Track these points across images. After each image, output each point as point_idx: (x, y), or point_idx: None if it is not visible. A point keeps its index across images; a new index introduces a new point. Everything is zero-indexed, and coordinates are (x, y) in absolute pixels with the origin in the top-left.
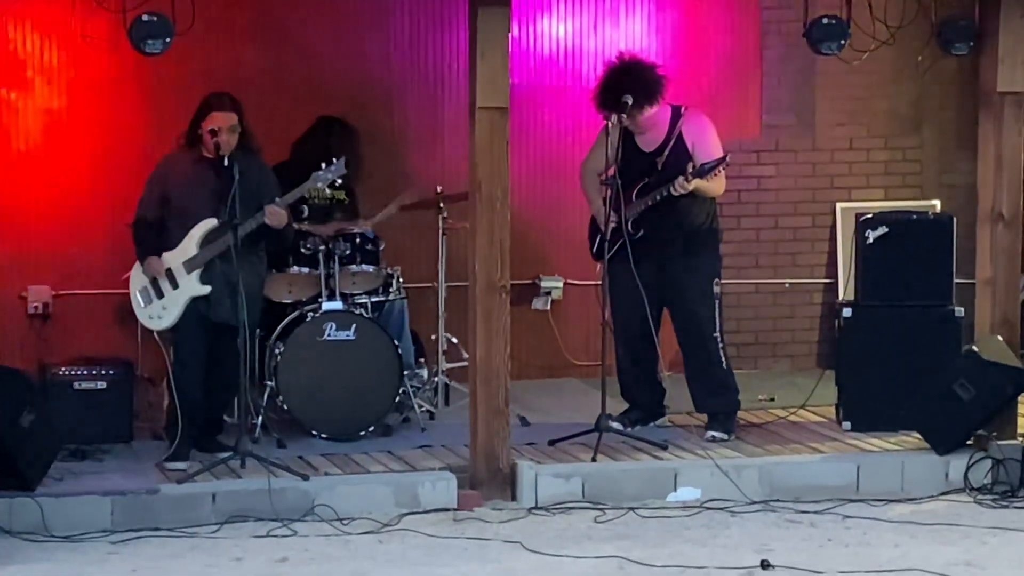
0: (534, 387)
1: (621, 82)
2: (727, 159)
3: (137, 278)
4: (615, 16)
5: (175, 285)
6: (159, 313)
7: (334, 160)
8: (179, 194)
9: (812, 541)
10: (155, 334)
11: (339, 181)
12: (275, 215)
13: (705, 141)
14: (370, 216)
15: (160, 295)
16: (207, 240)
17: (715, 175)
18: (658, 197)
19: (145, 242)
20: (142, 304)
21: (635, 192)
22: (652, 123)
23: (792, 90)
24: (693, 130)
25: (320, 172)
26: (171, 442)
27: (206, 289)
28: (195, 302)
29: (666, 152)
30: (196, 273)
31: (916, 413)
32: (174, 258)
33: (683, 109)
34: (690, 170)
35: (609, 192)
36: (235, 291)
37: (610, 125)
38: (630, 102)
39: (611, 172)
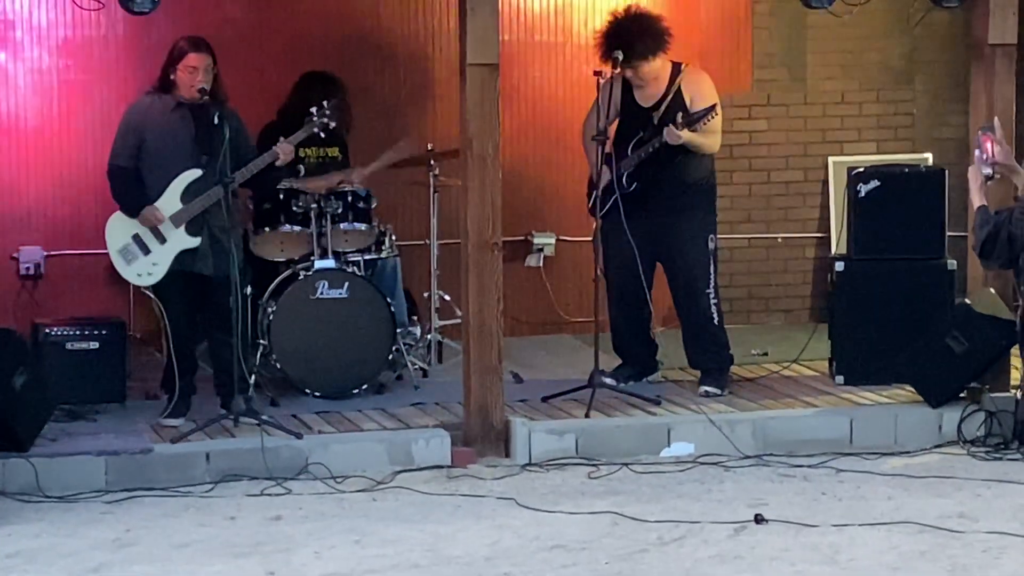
0: (527, 344)
1: (627, 30)
2: (715, 108)
3: (116, 236)
4: None
5: (162, 240)
6: (148, 269)
7: (324, 103)
8: (156, 142)
9: (806, 495)
10: (147, 291)
11: (325, 133)
12: (287, 152)
13: (703, 96)
14: (365, 165)
15: (146, 251)
16: (189, 191)
17: (705, 123)
18: (651, 149)
19: (132, 192)
20: (126, 263)
21: (631, 147)
22: (654, 76)
23: (783, 44)
24: (692, 85)
25: (315, 117)
26: (168, 399)
27: (196, 241)
28: (180, 255)
29: (663, 107)
30: (183, 226)
31: (909, 366)
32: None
33: (683, 66)
34: (680, 119)
35: (601, 149)
36: (218, 244)
37: (612, 75)
38: (620, 57)
39: (602, 127)
